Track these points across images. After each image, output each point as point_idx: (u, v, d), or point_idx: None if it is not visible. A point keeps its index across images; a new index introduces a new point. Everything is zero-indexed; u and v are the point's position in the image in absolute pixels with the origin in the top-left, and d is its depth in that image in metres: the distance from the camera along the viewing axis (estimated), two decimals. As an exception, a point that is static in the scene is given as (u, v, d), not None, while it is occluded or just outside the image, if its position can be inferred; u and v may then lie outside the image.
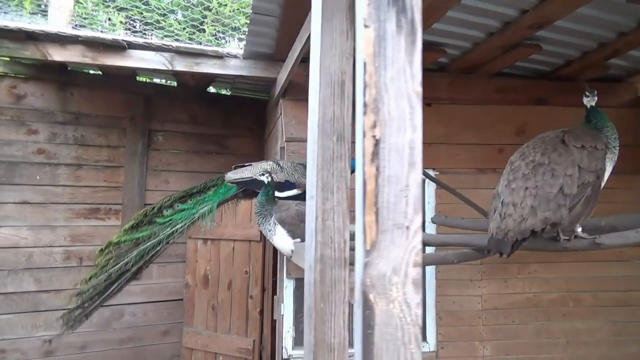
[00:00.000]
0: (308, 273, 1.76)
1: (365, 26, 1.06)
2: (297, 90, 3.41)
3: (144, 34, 5.00)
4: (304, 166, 3.17)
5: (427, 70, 3.42)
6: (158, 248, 3.18)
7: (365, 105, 1.07)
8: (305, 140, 3.51)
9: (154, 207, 3.27)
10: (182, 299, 4.56)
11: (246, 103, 5.03)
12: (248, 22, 3.98)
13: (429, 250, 3.31)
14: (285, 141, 3.44)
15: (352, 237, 2.45)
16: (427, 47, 3.15)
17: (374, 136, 1.06)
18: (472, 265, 3.62)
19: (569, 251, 2.18)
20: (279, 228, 2.78)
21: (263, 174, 3.09)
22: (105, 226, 4.53)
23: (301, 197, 3.28)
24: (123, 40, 3.29)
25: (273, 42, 3.27)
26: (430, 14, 2.58)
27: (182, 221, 3.20)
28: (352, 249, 1.83)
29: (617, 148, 2.14)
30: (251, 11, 2.82)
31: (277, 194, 3.06)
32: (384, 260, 1.05)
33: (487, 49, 3.20)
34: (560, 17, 2.67)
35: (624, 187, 3.68)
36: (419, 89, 1.07)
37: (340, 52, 1.71)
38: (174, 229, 3.20)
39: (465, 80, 3.78)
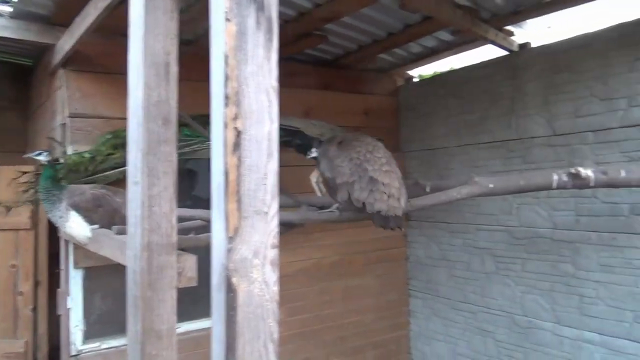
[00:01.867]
0: (133, 262, 1.68)
1: (227, 20, 1.08)
2: (83, 60, 3.06)
3: None
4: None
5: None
6: None
7: (227, 97, 1.09)
8: (92, 117, 3.21)
9: None
10: None
11: (7, 69, 4.22)
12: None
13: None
14: (69, 117, 3.07)
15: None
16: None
17: (235, 128, 1.10)
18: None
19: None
20: (73, 214, 2.51)
21: (40, 153, 2.71)
22: None
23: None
24: None
25: (52, 3, 2.86)
26: None
27: None
28: (180, 233, 1.83)
29: None
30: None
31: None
32: (246, 245, 1.11)
33: (282, 35, 3.39)
34: (348, 14, 3.03)
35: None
36: (275, 84, 1.15)
37: (165, 32, 1.65)
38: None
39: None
